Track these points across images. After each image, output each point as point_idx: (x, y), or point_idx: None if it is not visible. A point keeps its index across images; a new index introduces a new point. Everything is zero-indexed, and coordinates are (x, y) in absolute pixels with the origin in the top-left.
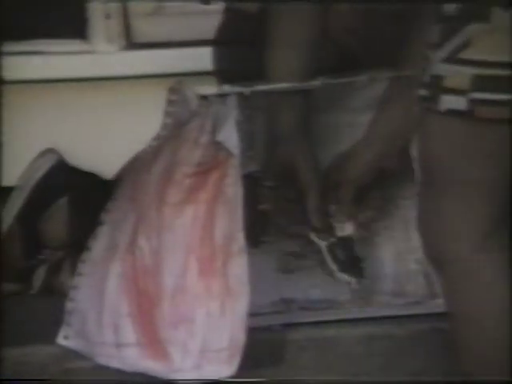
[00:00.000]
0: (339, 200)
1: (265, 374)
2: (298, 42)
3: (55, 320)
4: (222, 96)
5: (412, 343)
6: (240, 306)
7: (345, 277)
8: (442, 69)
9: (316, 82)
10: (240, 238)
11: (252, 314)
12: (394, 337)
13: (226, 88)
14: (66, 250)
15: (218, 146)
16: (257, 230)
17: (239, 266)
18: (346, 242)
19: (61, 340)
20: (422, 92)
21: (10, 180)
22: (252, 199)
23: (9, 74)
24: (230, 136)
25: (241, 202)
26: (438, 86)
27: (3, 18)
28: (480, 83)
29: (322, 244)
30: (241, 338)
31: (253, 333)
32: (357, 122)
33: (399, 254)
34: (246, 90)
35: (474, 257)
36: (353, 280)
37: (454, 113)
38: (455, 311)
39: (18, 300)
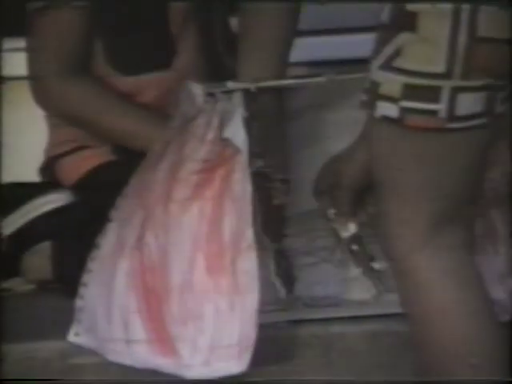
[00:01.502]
0: (337, 203)
1: (269, 371)
2: (270, 40)
3: (58, 316)
4: (228, 92)
5: None
6: (249, 302)
7: (278, 283)
8: (378, 75)
9: (321, 78)
10: (249, 235)
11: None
12: (398, 334)
13: (232, 84)
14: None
15: (224, 142)
16: (276, 225)
17: (248, 263)
18: (354, 240)
19: (71, 337)
20: (363, 97)
21: (9, 178)
22: (265, 195)
23: (8, 71)
24: (236, 132)
25: (249, 199)
26: (374, 93)
27: (3, 14)
28: (409, 92)
29: (271, 246)
30: (251, 334)
31: (257, 330)
32: (357, 120)
33: None
34: (252, 86)
35: (410, 257)
36: (283, 290)
37: (387, 119)
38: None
39: (20, 296)
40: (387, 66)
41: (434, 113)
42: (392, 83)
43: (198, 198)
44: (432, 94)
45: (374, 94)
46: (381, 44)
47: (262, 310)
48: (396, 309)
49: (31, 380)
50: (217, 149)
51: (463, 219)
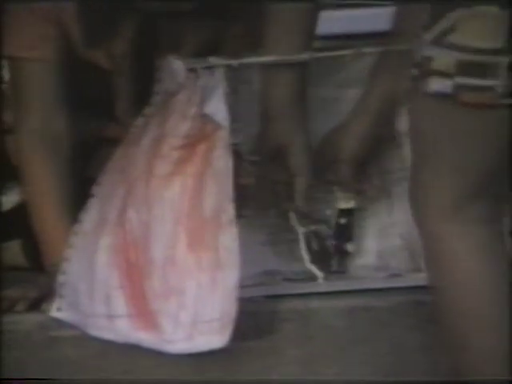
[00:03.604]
0: (339, 179)
1: (248, 345)
2: (297, 15)
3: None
4: (210, 68)
5: (393, 315)
6: (231, 277)
7: (314, 268)
8: (430, 50)
9: (304, 56)
10: (230, 210)
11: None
12: (375, 309)
13: (214, 60)
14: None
15: (206, 118)
16: (238, 204)
17: (229, 238)
18: (346, 215)
19: (54, 312)
20: (414, 72)
21: None
22: (234, 172)
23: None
24: (218, 108)
25: (230, 174)
26: (426, 68)
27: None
28: (464, 68)
29: (300, 230)
30: (232, 308)
31: (237, 304)
32: (344, 97)
33: (383, 228)
34: (234, 63)
35: (440, 227)
36: (320, 274)
37: (440, 95)
38: (431, 283)
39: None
40: (440, 42)
41: (490, 89)
42: (446, 59)
43: (180, 174)
44: (488, 70)
45: (426, 69)
46: (433, 18)
47: (242, 284)
48: (373, 284)
49: (31, 380)
50: (198, 124)
51: (493, 195)
